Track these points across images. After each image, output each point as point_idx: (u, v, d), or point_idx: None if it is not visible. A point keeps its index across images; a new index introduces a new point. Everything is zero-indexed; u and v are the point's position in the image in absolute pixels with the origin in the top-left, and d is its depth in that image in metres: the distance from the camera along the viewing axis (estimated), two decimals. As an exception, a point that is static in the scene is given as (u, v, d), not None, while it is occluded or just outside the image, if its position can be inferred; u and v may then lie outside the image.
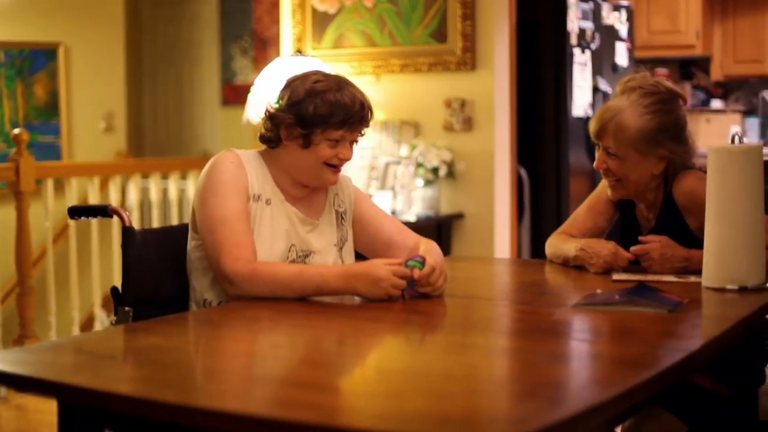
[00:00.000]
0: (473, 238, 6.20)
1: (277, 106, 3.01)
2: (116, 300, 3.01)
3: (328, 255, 3.09)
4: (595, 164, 3.39)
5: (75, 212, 3.31)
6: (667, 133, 3.28)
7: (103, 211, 3.22)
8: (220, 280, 2.89)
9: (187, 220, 3.12)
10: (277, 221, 3.01)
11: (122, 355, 2.39)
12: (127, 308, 2.98)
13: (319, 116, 2.94)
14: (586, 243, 3.34)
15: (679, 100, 3.33)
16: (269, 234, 2.99)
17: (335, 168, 3.03)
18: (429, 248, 3.05)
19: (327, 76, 3.04)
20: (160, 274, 3.10)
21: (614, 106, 3.31)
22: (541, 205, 6.71)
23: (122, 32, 9.15)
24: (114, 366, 2.24)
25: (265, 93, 5.65)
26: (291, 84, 3.03)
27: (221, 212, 2.89)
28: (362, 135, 3.07)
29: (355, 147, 3.07)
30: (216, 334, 2.60)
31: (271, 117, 3.02)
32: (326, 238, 3.11)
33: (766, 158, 3.40)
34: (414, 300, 2.83)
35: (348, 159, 3.03)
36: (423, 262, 2.83)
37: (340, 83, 3.01)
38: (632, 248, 3.24)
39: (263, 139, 3.06)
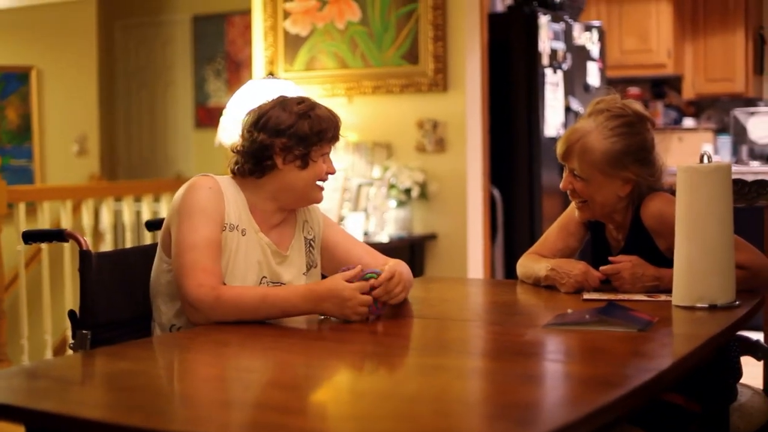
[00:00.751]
0: (446, 258, 6.21)
1: (263, 134, 3.00)
2: (74, 323, 3.00)
3: (296, 284, 3.08)
4: (561, 185, 3.39)
5: (29, 237, 3.24)
6: (633, 156, 3.27)
7: (59, 236, 3.19)
8: (184, 306, 2.87)
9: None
10: (251, 252, 3.00)
11: (91, 380, 2.38)
12: (85, 331, 2.96)
13: (316, 133, 3.00)
14: (557, 263, 3.35)
15: (646, 123, 3.33)
16: (243, 265, 2.98)
17: (321, 186, 3.08)
18: (397, 263, 3.06)
19: (301, 98, 3.10)
20: (117, 297, 3.09)
21: (580, 128, 3.32)
22: (514, 225, 6.72)
23: (95, 55, 9.14)
24: (82, 391, 2.23)
25: (237, 115, 5.64)
26: (268, 112, 3.03)
27: (192, 237, 2.88)
28: None
29: None
30: (185, 358, 2.59)
31: (264, 146, 2.99)
32: (296, 268, 3.12)
33: (735, 177, 3.42)
34: (384, 322, 2.82)
35: (334, 173, 3.12)
36: (376, 273, 2.86)
37: (314, 102, 3.10)
38: (603, 268, 3.24)
39: (249, 171, 3.02)
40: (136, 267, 3.13)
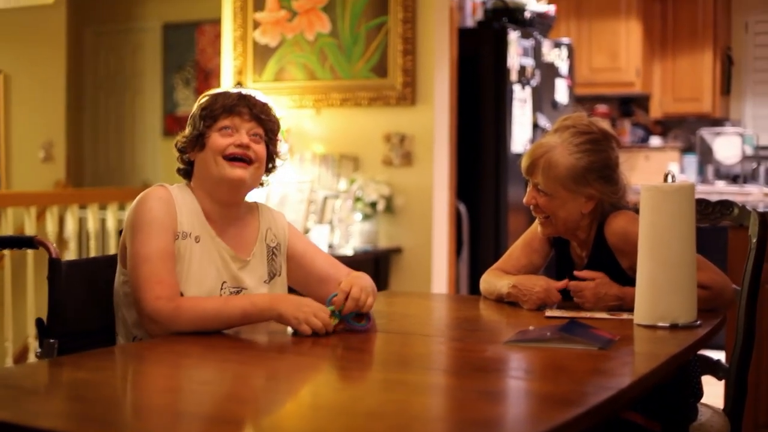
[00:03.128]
0: (411, 272, 6.20)
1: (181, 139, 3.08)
2: (41, 332, 2.97)
3: (259, 291, 3.07)
4: (525, 200, 3.40)
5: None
6: (596, 173, 3.29)
7: (29, 243, 3.18)
8: (142, 319, 2.86)
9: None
10: (207, 258, 2.99)
11: (48, 390, 2.35)
12: (52, 340, 2.94)
13: (203, 110, 3.01)
14: (519, 280, 3.35)
15: (611, 141, 3.34)
16: (198, 272, 2.96)
17: (238, 162, 2.99)
18: (355, 275, 3.07)
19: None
20: (85, 306, 3.08)
21: (546, 144, 3.33)
22: (479, 240, 6.73)
23: (63, 61, 9.10)
24: (39, 401, 2.20)
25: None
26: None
27: (145, 250, 2.87)
28: (272, 137, 3.10)
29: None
30: (144, 369, 2.57)
31: (180, 149, 3.08)
32: (257, 275, 3.10)
33: (699, 197, 3.44)
34: (346, 335, 2.81)
35: (244, 144, 3.00)
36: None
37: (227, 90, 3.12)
38: (570, 283, 3.25)
39: (181, 172, 3.11)
40: (105, 276, 3.11)
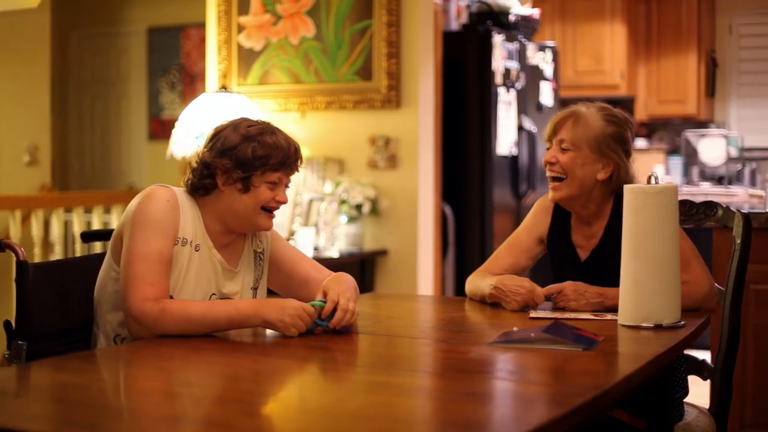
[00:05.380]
0: (397, 274, 6.21)
1: (210, 153, 3.00)
2: (9, 334, 2.96)
3: (246, 297, 3.08)
4: (544, 158, 3.45)
5: None
6: (621, 144, 3.40)
7: None
8: (126, 319, 2.85)
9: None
10: (203, 269, 2.99)
11: (31, 392, 2.34)
12: (20, 342, 2.93)
13: (259, 158, 2.95)
14: (501, 280, 3.35)
15: (630, 126, 3.50)
16: (194, 281, 2.96)
17: (270, 213, 3.03)
18: (337, 278, 3.07)
19: (258, 122, 3.06)
20: (53, 308, 3.06)
21: (575, 108, 3.46)
22: (465, 242, 6.74)
23: (48, 65, 9.08)
24: (21, 403, 2.20)
25: (189, 128, 5.62)
26: (221, 132, 3.03)
27: (143, 249, 2.85)
28: (288, 186, 3.09)
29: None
30: (127, 372, 2.57)
31: (206, 165, 2.99)
32: (245, 283, 3.11)
33: (683, 198, 3.45)
34: (331, 337, 2.81)
35: (285, 202, 3.04)
36: (323, 301, 2.86)
37: (272, 128, 3.04)
38: (545, 288, 3.27)
39: (194, 187, 3.01)
40: (72, 278, 3.11)
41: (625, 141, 3.43)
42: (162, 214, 2.90)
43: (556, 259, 3.55)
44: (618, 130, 3.40)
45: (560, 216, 3.53)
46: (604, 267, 3.36)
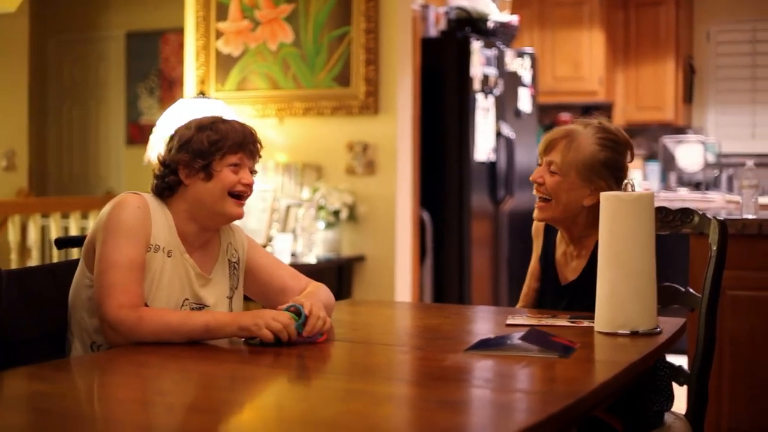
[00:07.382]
0: (374, 281, 6.20)
1: (168, 153, 3.02)
2: None
3: (220, 308, 3.07)
4: (532, 176, 3.45)
5: None
6: (610, 171, 3.37)
7: None
8: (102, 326, 2.84)
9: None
10: (176, 274, 2.98)
11: (5, 402, 2.33)
12: None
13: (214, 143, 2.97)
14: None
15: (629, 150, 3.45)
16: (168, 287, 2.96)
17: (239, 200, 3.03)
18: (314, 290, 3.08)
19: (211, 116, 3.10)
20: (25, 316, 3.03)
21: (571, 128, 3.43)
22: (443, 248, 6.74)
23: (26, 70, 9.06)
24: (-4, 412, 2.19)
25: (167, 134, 5.60)
26: (177, 131, 3.07)
27: (115, 256, 2.85)
28: (254, 172, 3.09)
29: (256, 182, 3.09)
30: (103, 380, 2.56)
31: (166, 165, 3.01)
32: (219, 291, 3.09)
33: (660, 204, 3.46)
34: (307, 345, 2.81)
35: (251, 183, 3.04)
36: (296, 312, 2.83)
37: (224, 118, 3.08)
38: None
39: (159, 189, 3.03)
40: (44, 286, 3.09)
41: (618, 168, 3.39)
42: (134, 220, 2.90)
43: (542, 280, 3.56)
44: (611, 155, 3.37)
45: (552, 235, 3.54)
46: (585, 292, 3.33)
